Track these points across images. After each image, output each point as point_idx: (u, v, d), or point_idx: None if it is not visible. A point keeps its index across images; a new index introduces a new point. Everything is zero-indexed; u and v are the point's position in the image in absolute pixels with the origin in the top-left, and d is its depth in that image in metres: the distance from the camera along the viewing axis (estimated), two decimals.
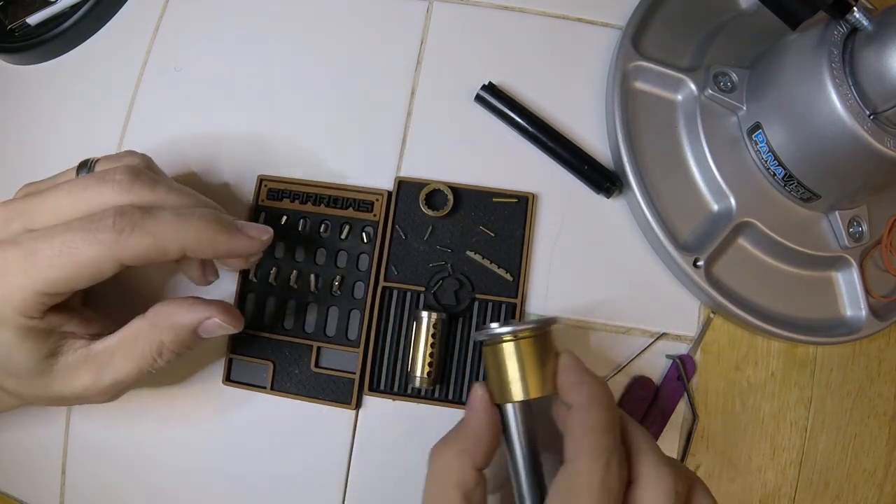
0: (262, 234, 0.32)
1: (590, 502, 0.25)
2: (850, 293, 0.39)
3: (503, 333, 0.30)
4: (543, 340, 0.30)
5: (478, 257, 0.38)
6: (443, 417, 0.37)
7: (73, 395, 0.30)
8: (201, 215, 0.29)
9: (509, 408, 0.30)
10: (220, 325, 0.31)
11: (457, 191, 0.39)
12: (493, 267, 0.38)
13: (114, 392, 0.31)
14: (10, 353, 0.29)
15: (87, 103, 0.43)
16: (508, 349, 0.30)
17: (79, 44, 0.44)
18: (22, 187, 0.33)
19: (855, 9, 0.32)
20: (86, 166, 0.33)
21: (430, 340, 0.36)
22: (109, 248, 0.27)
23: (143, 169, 0.30)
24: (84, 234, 0.27)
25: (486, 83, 0.40)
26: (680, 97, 0.40)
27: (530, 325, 0.30)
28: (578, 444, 0.27)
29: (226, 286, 0.39)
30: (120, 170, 0.30)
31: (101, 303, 0.35)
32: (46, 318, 0.29)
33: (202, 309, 0.31)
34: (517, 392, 0.29)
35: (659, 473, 0.27)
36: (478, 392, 0.30)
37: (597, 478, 0.26)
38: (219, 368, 0.38)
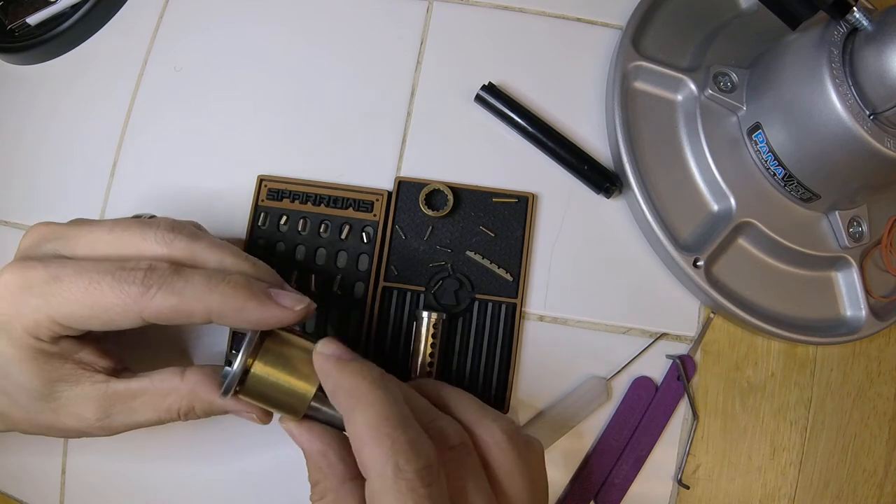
0: (297, 303, 0.28)
1: None
2: (850, 293, 0.39)
3: (235, 372, 0.27)
4: (274, 347, 0.28)
5: (478, 257, 0.38)
6: None
7: (74, 428, 0.29)
8: (232, 280, 0.27)
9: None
10: (251, 418, 0.30)
11: (457, 191, 0.39)
12: (493, 267, 0.38)
13: (120, 431, 0.30)
14: (10, 369, 0.28)
15: (87, 103, 0.43)
16: (252, 382, 0.28)
17: (79, 44, 0.44)
18: (73, 219, 0.32)
19: (855, 9, 0.32)
20: (139, 218, 0.32)
21: (430, 340, 0.36)
22: (135, 301, 0.26)
23: (186, 223, 0.30)
24: (112, 279, 0.26)
25: (486, 83, 0.40)
26: (680, 97, 0.40)
27: (245, 346, 0.28)
28: (359, 459, 0.25)
29: None
30: (164, 221, 0.29)
31: (119, 336, 0.34)
32: (59, 343, 0.28)
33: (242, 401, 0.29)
34: (292, 415, 0.28)
35: (484, 424, 0.27)
36: (290, 430, 0.28)
37: (391, 490, 0.23)
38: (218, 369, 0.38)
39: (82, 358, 0.29)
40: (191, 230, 0.29)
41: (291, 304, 0.28)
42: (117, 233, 0.28)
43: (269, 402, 0.28)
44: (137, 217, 0.32)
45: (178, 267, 0.27)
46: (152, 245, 0.28)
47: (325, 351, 0.27)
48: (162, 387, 0.30)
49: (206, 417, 0.31)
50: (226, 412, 0.30)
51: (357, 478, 0.26)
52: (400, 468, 0.23)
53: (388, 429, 0.24)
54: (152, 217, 0.33)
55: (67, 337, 0.28)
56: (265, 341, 0.28)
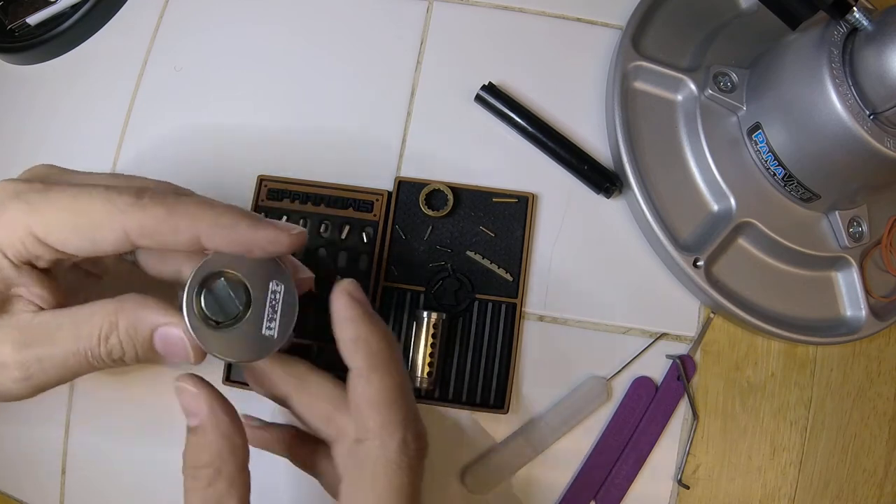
0: (291, 228, 0.26)
1: (390, 489, 0.22)
2: (850, 293, 0.39)
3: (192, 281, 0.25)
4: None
5: (478, 257, 0.38)
6: (443, 417, 0.37)
7: None
8: (224, 204, 0.26)
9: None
10: (180, 341, 0.26)
11: (457, 191, 0.39)
12: (493, 267, 0.38)
13: (33, 372, 0.25)
14: None
15: (87, 103, 0.43)
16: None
17: (79, 44, 0.44)
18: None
19: (855, 9, 0.32)
20: None
21: (430, 340, 0.36)
22: (122, 210, 0.24)
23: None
24: (104, 189, 0.25)
25: (486, 83, 0.40)
26: (680, 97, 0.40)
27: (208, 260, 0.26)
28: (363, 420, 0.23)
29: None
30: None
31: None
32: (14, 269, 0.25)
33: (173, 315, 0.26)
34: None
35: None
36: (198, 393, 0.25)
37: (392, 465, 0.23)
38: (219, 368, 0.38)
39: (28, 293, 0.26)
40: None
41: (286, 228, 0.26)
42: (116, 175, 0.28)
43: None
44: None
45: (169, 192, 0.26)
46: (147, 182, 0.28)
47: (353, 293, 0.25)
48: (88, 309, 0.26)
49: (125, 351, 0.26)
50: (151, 334, 0.26)
51: (247, 468, 0.25)
52: (407, 443, 0.23)
53: (404, 400, 0.24)
54: None
55: (28, 265, 0.26)
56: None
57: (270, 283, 0.26)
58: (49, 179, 0.27)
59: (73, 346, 0.25)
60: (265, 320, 0.26)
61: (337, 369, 0.38)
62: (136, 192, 0.25)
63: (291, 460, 0.30)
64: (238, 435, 0.25)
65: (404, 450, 0.23)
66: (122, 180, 0.27)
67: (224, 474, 0.24)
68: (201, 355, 0.26)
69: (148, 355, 0.26)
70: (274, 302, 0.26)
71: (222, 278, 0.26)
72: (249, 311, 0.26)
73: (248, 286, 0.26)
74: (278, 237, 0.25)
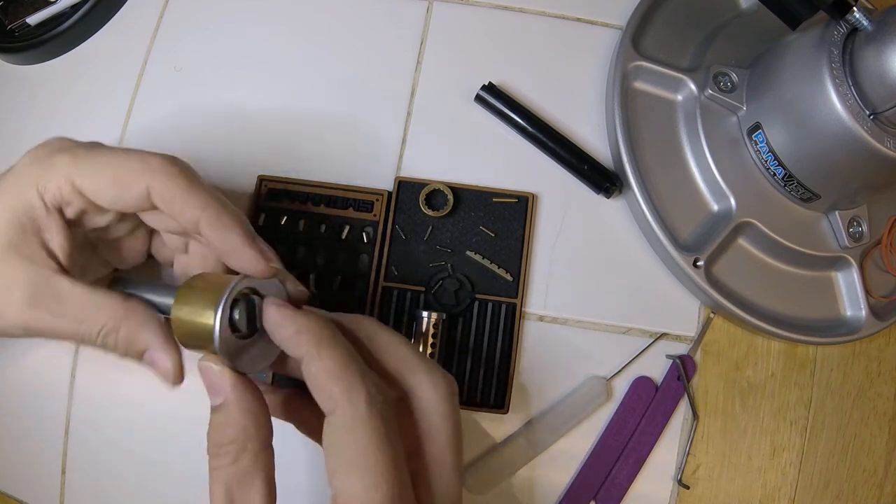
0: (273, 258, 0.29)
1: (370, 448, 0.24)
2: (850, 293, 0.39)
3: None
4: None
5: (478, 257, 0.38)
6: None
7: None
8: (233, 208, 0.29)
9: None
10: (164, 366, 0.29)
11: (457, 191, 0.39)
12: (493, 267, 0.38)
13: (31, 327, 0.28)
14: None
15: (87, 103, 0.43)
16: (183, 292, 0.27)
17: (79, 44, 0.44)
18: None
19: (855, 9, 0.32)
20: None
21: (430, 340, 0.36)
22: (153, 168, 0.28)
23: None
24: (142, 152, 0.29)
25: (486, 83, 0.40)
26: (680, 97, 0.40)
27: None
28: (327, 392, 0.24)
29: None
30: None
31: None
32: (48, 216, 0.28)
33: (167, 345, 0.28)
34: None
35: (433, 380, 0.27)
36: (216, 374, 0.27)
37: (366, 420, 0.24)
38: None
39: (51, 242, 0.29)
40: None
41: (269, 259, 0.29)
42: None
43: (198, 333, 0.27)
44: None
45: None
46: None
47: (275, 302, 0.27)
48: (98, 299, 0.28)
49: (119, 355, 0.29)
50: (143, 351, 0.29)
51: (271, 445, 0.27)
52: (373, 397, 0.24)
53: (356, 365, 0.25)
54: None
55: (58, 212, 0.28)
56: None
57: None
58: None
59: (74, 327, 0.28)
60: (256, 356, 0.28)
61: None
62: (172, 159, 0.28)
63: (297, 427, 0.31)
64: (262, 411, 0.27)
65: (371, 402, 0.24)
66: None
67: (249, 450, 0.26)
68: (180, 381, 0.29)
69: (134, 359, 0.29)
70: (269, 348, 0.28)
71: (254, 295, 0.27)
72: (255, 336, 0.28)
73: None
74: (258, 263, 0.28)
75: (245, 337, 0.27)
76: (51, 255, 0.28)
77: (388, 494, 0.23)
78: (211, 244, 0.29)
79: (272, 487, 0.26)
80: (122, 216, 0.31)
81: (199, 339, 0.27)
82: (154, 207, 0.29)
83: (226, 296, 0.26)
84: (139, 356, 0.29)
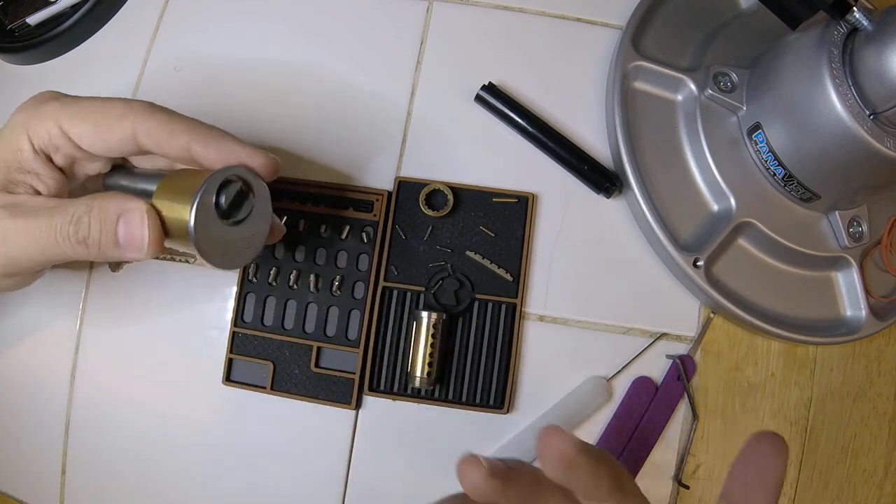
0: (268, 153, 0.31)
1: None
2: (850, 293, 0.39)
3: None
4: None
5: (478, 257, 0.38)
6: (443, 417, 0.37)
7: None
8: (218, 128, 0.30)
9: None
10: (139, 227, 0.28)
11: (457, 191, 0.39)
12: (493, 267, 0.38)
13: (7, 241, 0.29)
14: None
15: None
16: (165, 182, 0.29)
17: (79, 44, 0.44)
18: None
19: (855, 9, 0.32)
20: None
21: (430, 340, 0.36)
22: (135, 112, 0.29)
23: None
24: (124, 98, 0.29)
25: (486, 83, 0.40)
26: (680, 97, 0.40)
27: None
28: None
29: (225, 286, 0.39)
30: None
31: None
32: (35, 158, 0.29)
33: (136, 202, 0.28)
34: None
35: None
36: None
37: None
38: (219, 368, 0.38)
39: (35, 180, 0.30)
40: None
41: (261, 150, 0.30)
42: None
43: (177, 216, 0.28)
44: None
45: None
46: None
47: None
48: (73, 200, 0.29)
49: (93, 238, 0.28)
50: (115, 225, 0.28)
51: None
52: None
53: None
54: None
55: (46, 157, 0.29)
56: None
57: (257, 225, 0.30)
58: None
59: (48, 221, 0.28)
60: (238, 244, 0.30)
61: (338, 369, 0.38)
62: (150, 103, 0.29)
63: None
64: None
65: None
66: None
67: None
68: (157, 247, 0.29)
69: (109, 242, 0.29)
70: (249, 240, 0.30)
71: (239, 184, 0.29)
72: (244, 224, 0.29)
73: (252, 197, 0.29)
74: (258, 157, 0.30)
75: (231, 223, 0.28)
76: (32, 188, 0.30)
77: None
78: (207, 160, 0.29)
79: None
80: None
81: (175, 224, 0.28)
82: (140, 152, 0.30)
83: (215, 176, 0.27)
84: (113, 230, 0.29)
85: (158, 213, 0.28)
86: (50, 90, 0.30)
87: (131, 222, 0.28)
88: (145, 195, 0.29)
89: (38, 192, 0.30)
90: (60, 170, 0.30)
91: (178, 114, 0.30)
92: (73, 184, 0.32)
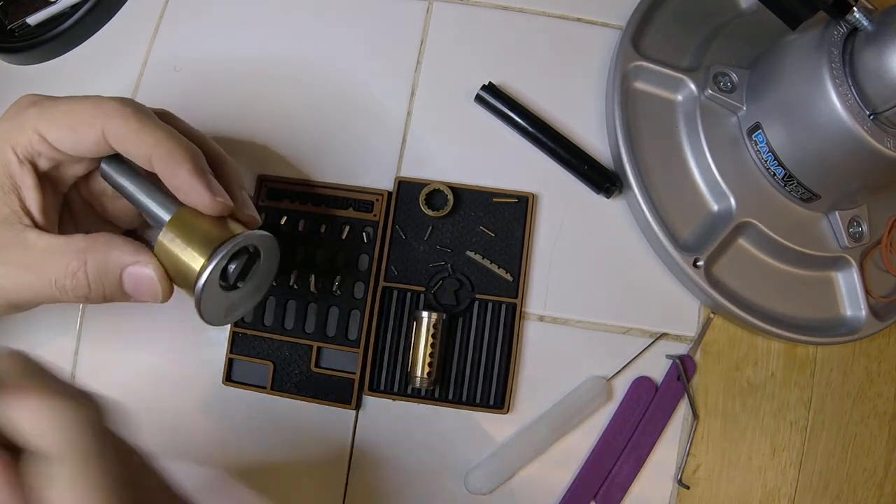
0: (226, 199, 0.29)
1: None
2: (850, 293, 0.39)
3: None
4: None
5: (478, 257, 0.38)
6: (443, 417, 0.37)
7: None
8: (188, 144, 0.29)
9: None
10: (149, 280, 0.28)
11: (457, 191, 0.39)
12: (493, 267, 0.38)
13: (5, 299, 0.28)
14: None
15: None
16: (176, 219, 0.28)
17: (79, 44, 0.44)
18: None
19: (855, 9, 0.32)
20: None
21: (430, 340, 0.36)
22: (106, 113, 0.28)
23: None
24: (98, 98, 0.29)
25: (486, 83, 0.40)
26: (680, 97, 0.40)
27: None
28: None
29: None
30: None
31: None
32: (22, 167, 0.28)
33: (142, 254, 0.28)
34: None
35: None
36: None
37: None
38: (219, 368, 0.38)
39: (26, 197, 0.29)
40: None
41: (219, 195, 0.29)
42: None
43: (182, 271, 0.27)
44: None
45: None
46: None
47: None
48: (61, 242, 0.28)
49: (92, 288, 0.28)
50: (119, 274, 0.28)
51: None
52: None
53: None
54: None
55: (31, 164, 0.29)
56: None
57: (256, 282, 0.31)
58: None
59: (43, 276, 0.28)
60: (235, 304, 0.30)
61: (338, 369, 0.38)
62: (122, 101, 0.28)
63: None
64: None
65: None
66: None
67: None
68: (170, 294, 0.28)
69: (115, 294, 0.28)
70: (246, 298, 0.31)
71: (249, 251, 0.29)
72: (247, 284, 0.30)
73: (259, 262, 0.29)
74: (205, 198, 0.28)
75: (227, 289, 0.28)
76: (25, 211, 0.29)
77: None
78: (164, 180, 0.28)
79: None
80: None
81: (180, 276, 0.27)
82: (111, 148, 0.29)
83: (228, 248, 0.27)
84: (118, 285, 0.28)
85: (166, 249, 0.28)
86: (28, 95, 0.30)
87: (138, 276, 0.28)
88: (143, 208, 0.29)
89: (27, 211, 0.29)
90: (48, 177, 0.30)
91: (153, 122, 0.29)
92: (62, 188, 0.31)
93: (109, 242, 0.28)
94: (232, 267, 0.28)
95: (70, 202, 0.33)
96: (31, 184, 0.29)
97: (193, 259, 0.27)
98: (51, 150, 0.29)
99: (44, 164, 0.29)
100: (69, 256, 0.28)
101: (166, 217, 0.28)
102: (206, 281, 0.27)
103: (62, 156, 0.29)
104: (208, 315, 0.28)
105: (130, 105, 0.29)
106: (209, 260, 0.27)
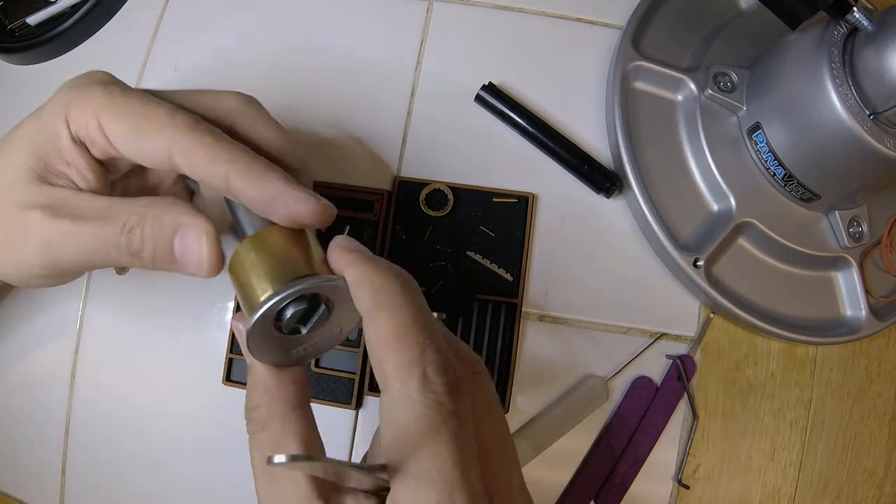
0: (321, 199, 0.26)
1: (419, 430, 0.20)
2: (850, 293, 0.39)
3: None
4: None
5: (478, 257, 0.38)
6: None
7: (14, 231, 0.26)
8: (264, 160, 0.26)
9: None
10: (197, 244, 0.25)
11: (457, 191, 0.39)
12: (493, 267, 0.38)
13: (53, 247, 0.26)
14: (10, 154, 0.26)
15: None
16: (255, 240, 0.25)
17: (79, 44, 0.44)
18: None
19: (855, 9, 0.32)
20: None
21: None
22: (177, 126, 0.25)
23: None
24: (172, 106, 0.26)
25: (486, 83, 0.40)
26: (680, 97, 0.40)
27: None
28: (383, 365, 0.22)
29: (225, 286, 0.39)
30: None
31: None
32: (73, 147, 0.26)
33: (197, 217, 0.25)
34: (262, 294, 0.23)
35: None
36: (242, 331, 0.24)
37: (418, 399, 0.21)
38: (219, 368, 0.38)
39: (73, 172, 0.27)
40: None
41: (313, 198, 0.26)
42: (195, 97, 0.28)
43: (246, 293, 0.24)
44: None
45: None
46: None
47: (345, 244, 0.24)
48: (123, 200, 0.26)
49: (147, 253, 0.26)
50: (171, 242, 0.26)
51: (304, 406, 0.25)
52: (428, 378, 0.21)
53: (419, 335, 0.22)
54: None
55: (83, 146, 0.27)
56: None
57: (338, 325, 0.26)
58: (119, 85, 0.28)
59: (97, 230, 0.26)
60: (307, 345, 0.26)
61: (338, 369, 0.38)
62: (196, 120, 0.26)
63: None
64: (286, 372, 0.25)
65: (426, 386, 0.21)
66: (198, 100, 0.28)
67: (276, 414, 0.24)
68: (217, 269, 0.26)
69: (165, 258, 0.26)
70: (326, 339, 0.26)
71: (319, 301, 0.25)
72: (306, 333, 0.25)
73: (326, 314, 0.25)
74: (307, 204, 0.25)
75: (294, 334, 0.25)
76: (72, 182, 0.27)
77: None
78: (245, 196, 0.25)
79: (312, 448, 0.24)
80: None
81: (243, 296, 0.24)
82: (176, 173, 0.27)
83: (276, 298, 0.23)
84: (169, 246, 0.26)
85: (239, 257, 0.25)
86: (102, 71, 0.27)
87: (188, 238, 0.25)
88: (241, 229, 0.26)
89: (78, 187, 0.27)
90: (99, 161, 0.27)
91: (225, 138, 0.26)
92: (114, 175, 0.29)
93: (170, 202, 0.26)
94: (287, 315, 0.24)
95: (114, 185, 0.30)
96: (82, 166, 0.27)
97: (263, 278, 0.24)
98: (107, 145, 0.26)
99: (97, 153, 0.27)
100: (128, 211, 0.26)
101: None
102: (256, 321, 0.23)
103: (118, 153, 0.27)
104: (259, 353, 0.25)
105: (203, 123, 0.26)
106: (259, 306, 0.23)
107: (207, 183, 0.26)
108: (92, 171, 0.27)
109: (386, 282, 0.23)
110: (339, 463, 0.20)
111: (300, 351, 0.25)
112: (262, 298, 0.23)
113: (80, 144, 0.26)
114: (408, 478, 0.20)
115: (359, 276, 0.23)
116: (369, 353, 0.23)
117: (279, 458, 0.18)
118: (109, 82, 0.27)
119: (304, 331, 0.24)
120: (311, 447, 0.24)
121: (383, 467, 0.21)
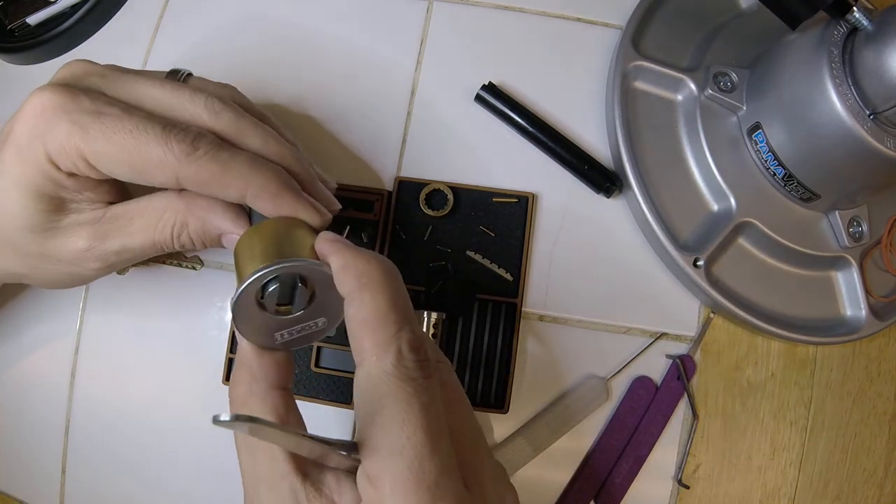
0: (330, 204, 0.29)
1: (396, 403, 0.21)
2: (850, 293, 0.39)
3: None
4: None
5: (478, 257, 0.38)
6: None
7: (66, 258, 0.28)
8: (273, 169, 0.27)
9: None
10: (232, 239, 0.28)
11: (457, 191, 0.39)
12: (493, 267, 0.38)
13: (113, 261, 0.28)
14: (8, 195, 0.26)
15: None
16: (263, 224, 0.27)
17: (79, 44, 0.44)
18: (113, 64, 0.30)
19: (855, 9, 0.32)
20: (176, 74, 0.31)
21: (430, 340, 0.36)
22: (178, 158, 0.25)
23: (228, 91, 0.31)
24: (161, 130, 0.25)
25: (486, 83, 0.40)
26: (680, 97, 0.40)
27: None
28: (361, 342, 0.23)
29: (224, 286, 0.39)
30: (212, 86, 0.30)
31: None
32: (70, 179, 0.27)
33: (240, 226, 0.28)
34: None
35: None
36: None
37: (393, 374, 0.22)
38: (219, 368, 0.38)
39: (87, 197, 0.28)
40: (236, 108, 0.29)
41: (324, 206, 0.28)
42: (167, 91, 0.27)
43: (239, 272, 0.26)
44: (175, 72, 0.31)
45: (224, 143, 0.27)
46: (200, 111, 0.27)
47: (334, 238, 0.26)
48: (159, 203, 0.28)
49: (195, 244, 0.29)
50: (219, 237, 0.28)
51: (286, 389, 0.26)
52: (402, 354, 0.22)
53: (397, 316, 0.23)
54: (189, 75, 0.32)
55: (77, 176, 0.27)
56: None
57: (321, 315, 0.27)
58: (95, 89, 0.27)
59: (150, 239, 0.28)
60: (292, 330, 0.27)
61: (338, 369, 0.38)
62: (193, 142, 0.26)
63: None
64: (270, 354, 0.26)
65: (400, 360, 0.22)
66: (185, 97, 0.28)
67: (256, 392, 0.25)
68: None
69: (215, 246, 0.29)
70: (309, 328, 0.27)
71: (298, 280, 0.26)
72: (291, 316, 0.26)
73: (311, 297, 0.26)
74: (313, 217, 0.28)
75: (279, 314, 0.26)
76: (93, 202, 0.28)
77: (422, 473, 0.21)
78: (262, 210, 0.27)
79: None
80: None
81: (238, 276, 0.26)
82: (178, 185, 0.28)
83: (260, 273, 0.24)
84: (217, 243, 0.29)
85: (241, 243, 0.27)
86: (48, 90, 0.26)
87: (231, 237, 0.28)
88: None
89: (103, 203, 0.28)
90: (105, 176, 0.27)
91: (233, 158, 0.26)
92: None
93: (208, 207, 0.28)
94: (267, 294, 0.25)
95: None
96: (90, 189, 0.28)
97: (249, 263, 0.25)
98: (102, 175, 0.27)
99: (98, 176, 0.27)
100: (170, 219, 0.28)
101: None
102: (237, 299, 0.25)
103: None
104: (247, 331, 0.26)
105: (201, 146, 0.26)
106: (241, 285, 0.25)
107: (224, 199, 0.28)
108: (101, 189, 0.28)
109: (370, 267, 0.24)
110: (297, 433, 0.21)
111: (284, 335, 0.27)
112: (249, 272, 0.25)
113: (78, 177, 0.27)
114: (380, 448, 0.21)
115: (344, 261, 0.24)
116: (349, 332, 0.24)
117: (224, 417, 0.19)
118: (71, 109, 0.25)
119: (287, 312, 0.26)
120: (294, 421, 0.26)
121: (354, 445, 0.22)
